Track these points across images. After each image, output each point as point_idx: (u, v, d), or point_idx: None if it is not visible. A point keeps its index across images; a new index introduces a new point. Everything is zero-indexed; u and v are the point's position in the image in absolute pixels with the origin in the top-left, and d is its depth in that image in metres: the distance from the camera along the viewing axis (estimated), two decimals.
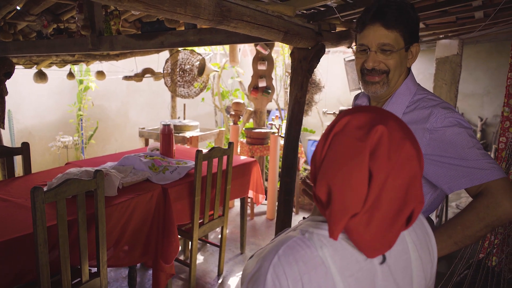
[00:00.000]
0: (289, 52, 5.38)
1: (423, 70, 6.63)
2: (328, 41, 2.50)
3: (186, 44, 2.62)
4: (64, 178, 2.18)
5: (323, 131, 0.80)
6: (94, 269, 2.23)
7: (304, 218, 0.97)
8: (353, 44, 1.37)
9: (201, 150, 2.72)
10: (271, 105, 7.30)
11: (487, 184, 1.15)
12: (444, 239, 1.15)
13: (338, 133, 0.75)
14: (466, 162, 1.17)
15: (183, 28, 2.68)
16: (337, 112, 5.19)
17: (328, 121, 6.11)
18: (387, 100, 1.33)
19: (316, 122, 6.39)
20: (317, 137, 6.81)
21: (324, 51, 2.44)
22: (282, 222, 2.61)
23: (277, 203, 4.58)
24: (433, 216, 3.45)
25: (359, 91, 1.58)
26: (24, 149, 3.00)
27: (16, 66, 3.89)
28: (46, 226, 1.83)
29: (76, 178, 2.00)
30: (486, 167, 1.15)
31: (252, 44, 5.53)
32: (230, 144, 3.04)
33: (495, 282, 1.77)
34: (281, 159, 4.74)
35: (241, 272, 3.28)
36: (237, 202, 4.80)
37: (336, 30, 2.68)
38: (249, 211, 4.52)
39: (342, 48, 5.74)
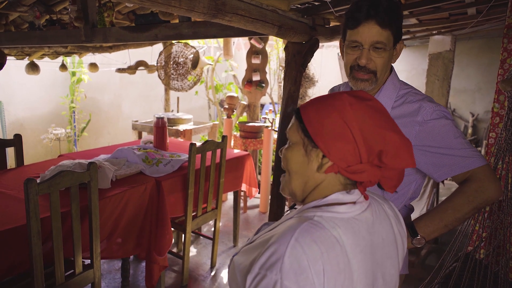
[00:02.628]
0: (283, 46, 5.39)
1: (416, 66, 6.66)
2: (322, 36, 2.52)
3: (180, 37, 2.62)
4: (57, 170, 2.18)
5: (300, 115, 0.86)
6: (88, 261, 2.24)
7: (293, 206, 0.99)
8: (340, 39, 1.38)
9: (195, 143, 2.73)
10: (265, 99, 7.31)
11: (473, 171, 1.23)
12: (436, 222, 1.23)
13: (351, 104, 0.81)
14: (453, 151, 1.24)
15: (177, 21, 2.68)
16: None
17: None
18: (374, 95, 1.36)
19: None
20: None
21: (318, 45, 2.45)
22: (275, 215, 2.64)
23: (270, 196, 4.61)
24: (424, 209, 3.49)
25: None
26: (17, 141, 2.99)
27: (8, 57, 3.86)
28: (39, 218, 1.83)
29: (69, 170, 2.00)
30: (471, 155, 1.23)
31: (246, 38, 5.52)
32: (224, 138, 3.05)
33: (483, 274, 1.81)
34: (274, 153, 4.77)
35: None
36: (230, 196, 4.82)
37: (330, 25, 2.70)
38: (242, 205, 4.54)
39: (336, 43, 5.75)
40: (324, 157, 0.82)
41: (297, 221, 0.80)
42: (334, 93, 0.85)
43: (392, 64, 1.38)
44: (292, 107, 2.46)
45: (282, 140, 2.57)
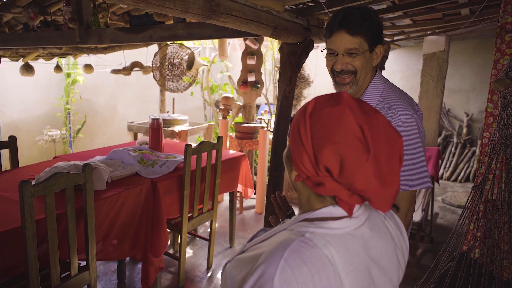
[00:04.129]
0: (278, 47, 5.40)
1: (411, 66, 6.69)
2: (316, 36, 2.52)
3: (175, 38, 2.62)
4: (53, 172, 2.18)
5: (291, 124, 0.84)
6: (83, 263, 2.23)
7: (290, 215, 0.98)
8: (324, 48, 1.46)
9: (190, 144, 2.73)
10: (260, 100, 7.32)
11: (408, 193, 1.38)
12: None
13: (312, 112, 0.78)
14: (413, 167, 1.35)
15: (172, 22, 2.68)
16: None
17: None
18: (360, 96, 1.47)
19: None
20: None
21: (313, 46, 2.46)
22: (271, 215, 2.64)
23: (265, 197, 4.61)
24: (419, 210, 3.51)
25: None
26: (12, 143, 2.98)
27: (2, 59, 3.84)
28: (34, 220, 1.83)
29: (64, 171, 1.99)
30: (416, 176, 1.36)
31: (241, 39, 5.52)
32: (219, 139, 3.05)
33: (477, 273, 1.82)
34: (270, 154, 4.77)
35: None
36: (226, 196, 4.82)
37: (325, 25, 2.71)
38: (238, 205, 4.54)
39: None
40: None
41: (287, 237, 0.77)
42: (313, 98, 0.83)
43: (386, 65, 1.42)
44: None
45: (278, 140, 2.58)
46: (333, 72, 1.43)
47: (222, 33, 2.47)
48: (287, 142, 0.86)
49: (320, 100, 0.80)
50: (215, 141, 3.05)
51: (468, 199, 1.94)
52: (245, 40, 4.55)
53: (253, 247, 0.84)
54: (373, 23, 1.34)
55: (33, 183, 1.83)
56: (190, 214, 2.97)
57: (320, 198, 0.82)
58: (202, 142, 2.86)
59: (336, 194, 0.77)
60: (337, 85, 1.44)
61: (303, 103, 5.00)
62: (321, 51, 1.50)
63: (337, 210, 0.80)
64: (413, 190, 1.37)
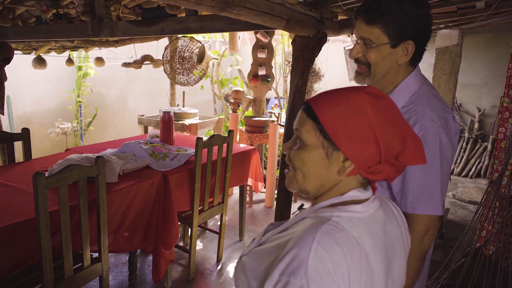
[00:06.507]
0: (289, 41, 5.36)
1: (423, 60, 6.59)
2: (329, 29, 2.50)
3: (187, 31, 2.61)
4: (65, 164, 2.19)
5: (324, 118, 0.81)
6: (95, 255, 2.25)
7: (301, 206, 0.97)
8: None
9: (202, 138, 2.73)
10: (270, 94, 7.29)
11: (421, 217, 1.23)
12: None
13: (372, 104, 0.79)
14: (422, 188, 1.20)
15: (184, 15, 2.67)
16: None
17: None
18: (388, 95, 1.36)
19: None
20: None
21: (326, 39, 2.43)
22: (282, 209, 2.63)
23: (276, 191, 4.61)
24: None
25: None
26: (25, 135, 3.01)
27: (15, 52, 3.87)
28: (48, 212, 1.84)
29: (77, 164, 2.01)
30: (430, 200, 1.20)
31: (251, 32, 5.49)
32: (230, 132, 3.05)
33: (492, 270, 1.80)
34: (280, 148, 4.76)
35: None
36: (236, 190, 4.83)
37: (338, 18, 2.68)
38: (247, 199, 4.55)
39: (342, 37, 5.72)
40: (346, 160, 0.79)
41: (314, 222, 0.77)
42: (348, 90, 0.81)
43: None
44: (300, 102, 2.45)
45: (289, 135, 2.57)
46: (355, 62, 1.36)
47: (234, 26, 2.45)
48: (316, 138, 0.81)
49: (364, 94, 0.79)
50: (226, 135, 3.05)
51: (484, 195, 1.91)
52: (256, 33, 4.52)
53: (273, 238, 0.84)
54: (403, 15, 1.20)
55: (46, 175, 1.84)
56: (201, 207, 2.98)
57: (349, 184, 0.82)
58: (213, 136, 2.86)
59: (387, 177, 0.80)
60: (355, 74, 1.36)
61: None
62: (350, 35, 1.44)
63: (362, 193, 0.82)
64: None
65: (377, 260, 0.78)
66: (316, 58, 3.72)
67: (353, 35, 1.35)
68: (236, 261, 3.29)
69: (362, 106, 0.77)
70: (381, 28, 1.22)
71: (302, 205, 0.95)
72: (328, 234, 0.73)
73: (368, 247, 0.76)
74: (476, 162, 6.23)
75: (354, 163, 0.78)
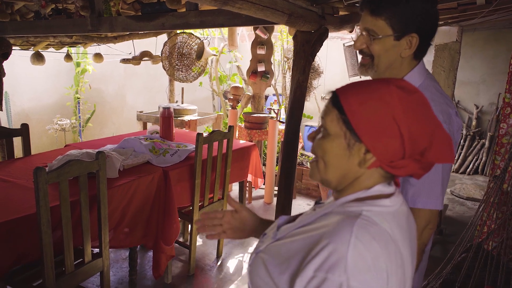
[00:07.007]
0: (288, 37, 5.35)
1: None
2: (331, 25, 2.49)
3: (187, 26, 2.60)
4: (65, 160, 2.18)
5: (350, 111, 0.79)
6: (96, 250, 2.24)
7: (318, 202, 0.95)
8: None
9: (202, 133, 2.72)
10: (268, 91, 7.28)
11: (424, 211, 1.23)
12: None
13: (401, 98, 0.78)
14: (423, 181, 1.19)
15: (184, 10, 2.66)
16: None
17: None
18: None
19: (313, 107, 6.38)
20: (314, 123, 6.80)
21: (327, 34, 2.43)
22: (282, 206, 2.63)
23: (275, 187, 4.61)
24: None
25: (358, 77, 1.61)
26: (24, 131, 2.99)
27: (13, 48, 3.85)
28: (49, 207, 1.83)
29: (78, 159, 2.00)
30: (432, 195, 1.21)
31: (250, 29, 5.48)
32: (230, 128, 3.04)
33: (494, 265, 1.80)
34: (279, 144, 4.76)
35: (240, 255, 3.33)
36: (235, 186, 4.83)
37: (339, 14, 2.67)
38: (247, 195, 4.55)
39: (341, 34, 5.71)
40: (368, 152, 0.78)
41: (346, 217, 0.76)
42: (379, 82, 0.79)
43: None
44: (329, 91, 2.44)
45: (291, 131, 2.56)
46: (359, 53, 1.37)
47: (234, 21, 2.44)
48: (339, 128, 0.80)
49: (395, 88, 0.77)
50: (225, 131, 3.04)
51: (486, 190, 1.91)
52: (255, 30, 4.51)
53: (293, 233, 0.83)
54: (409, 8, 1.19)
55: (46, 170, 1.83)
56: (201, 203, 2.98)
57: (372, 178, 0.81)
58: (213, 132, 2.86)
59: (410, 173, 0.79)
60: (359, 65, 1.37)
61: (312, 94, 4.97)
62: (350, 32, 1.43)
63: (387, 188, 0.81)
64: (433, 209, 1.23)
65: (407, 253, 0.78)
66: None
67: (357, 27, 1.34)
68: (235, 257, 3.31)
69: (390, 100, 0.75)
70: (385, 19, 1.22)
71: (320, 199, 0.95)
72: (364, 228, 0.72)
73: (400, 241, 0.76)
74: (474, 159, 6.25)
75: (375, 156, 0.77)
